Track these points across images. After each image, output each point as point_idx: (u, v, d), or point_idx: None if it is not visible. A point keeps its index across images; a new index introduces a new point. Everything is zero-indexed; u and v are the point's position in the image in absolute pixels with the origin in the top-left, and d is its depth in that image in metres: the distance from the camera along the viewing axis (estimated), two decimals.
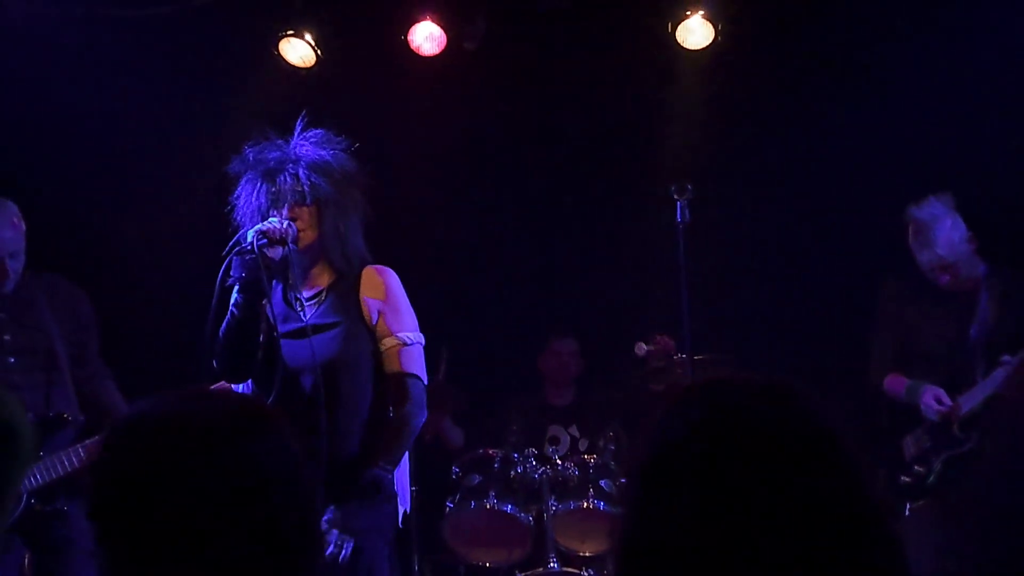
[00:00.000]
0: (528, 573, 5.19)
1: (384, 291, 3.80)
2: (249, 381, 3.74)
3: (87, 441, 4.39)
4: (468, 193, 6.73)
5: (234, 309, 3.64)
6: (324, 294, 3.79)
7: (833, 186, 6.25)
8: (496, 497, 5.31)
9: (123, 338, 5.21)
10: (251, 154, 3.80)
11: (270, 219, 3.64)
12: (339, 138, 3.88)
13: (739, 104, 6.39)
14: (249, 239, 3.54)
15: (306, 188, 3.70)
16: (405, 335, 3.76)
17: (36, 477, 4.32)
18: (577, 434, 6.11)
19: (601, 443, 5.67)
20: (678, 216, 4.74)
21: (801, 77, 6.32)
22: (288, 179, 3.71)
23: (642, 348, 5.50)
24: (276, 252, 3.64)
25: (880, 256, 5.36)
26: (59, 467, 4.34)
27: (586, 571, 5.17)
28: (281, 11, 6.08)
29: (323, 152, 3.81)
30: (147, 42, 6.01)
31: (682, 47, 6.05)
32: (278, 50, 6.10)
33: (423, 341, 3.83)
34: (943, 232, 4.80)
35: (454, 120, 6.50)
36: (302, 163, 3.75)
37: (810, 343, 6.13)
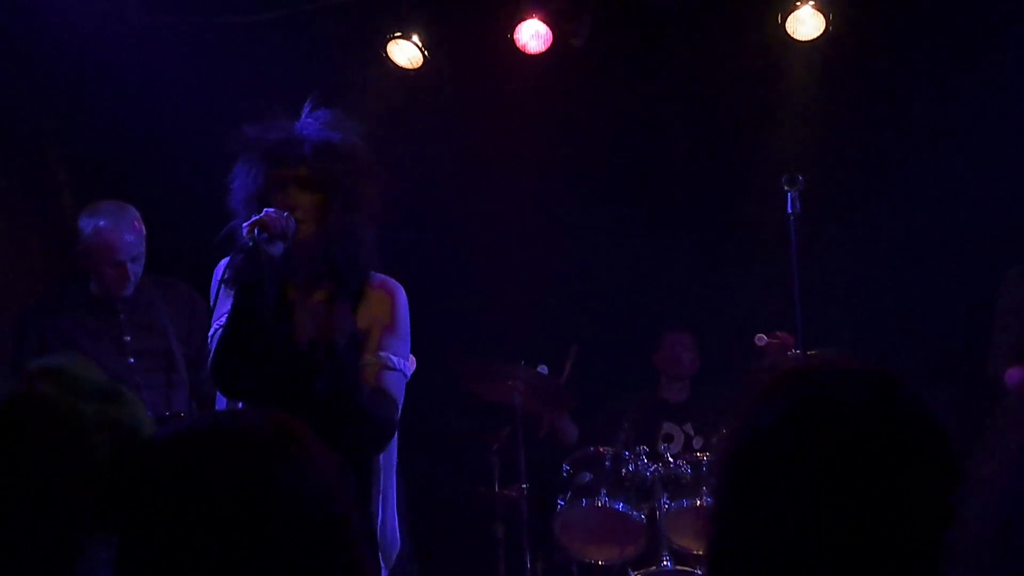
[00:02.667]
0: (641, 571, 5.16)
1: (390, 311, 3.35)
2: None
3: None
4: (578, 190, 6.72)
5: (232, 315, 3.18)
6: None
7: (948, 177, 6.10)
8: (607, 495, 5.28)
9: None
10: (251, 132, 3.33)
11: (266, 210, 3.19)
12: (353, 122, 3.40)
13: (851, 95, 6.28)
14: (245, 233, 3.13)
15: (310, 172, 3.24)
16: (391, 358, 3.32)
17: None
18: (692, 431, 6.05)
19: (716, 440, 5.61)
20: (789, 208, 4.69)
21: (914, 67, 6.18)
22: (290, 161, 3.24)
23: (762, 339, 5.43)
24: (277, 248, 3.17)
25: (997, 247, 5.23)
26: None
27: (700, 569, 5.11)
28: (389, 13, 6.14)
29: (333, 134, 3.31)
30: (258, 47, 6.12)
31: (792, 38, 5.97)
32: (386, 52, 6.17)
33: (408, 374, 3.39)
34: None
35: (561, 117, 6.50)
36: (307, 144, 3.25)
37: (925, 335, 6.00)
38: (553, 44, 6.12)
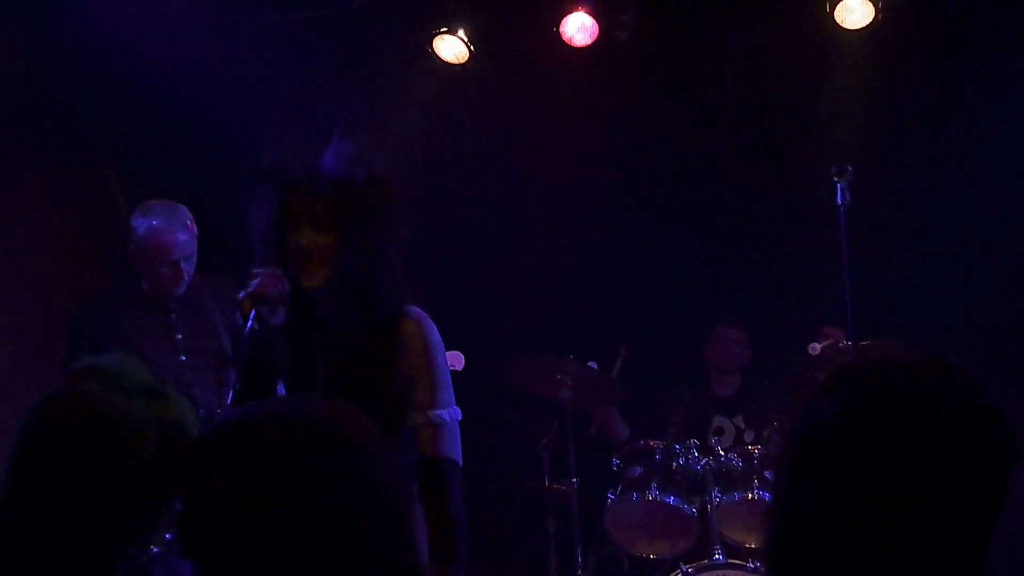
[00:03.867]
0: (693, 565, 5.14)
1: (424, 356, 3.16)
2: None
3: None
4: (626, 183, 6.70)
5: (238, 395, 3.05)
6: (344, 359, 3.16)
7: (1001, 165, 6.03)
8: (658, 489, 5.26)
9: None
10: (269, 161, 3.18)
11: (259, 275, 3.05)
12: (377, 150, 3.25)
13: (900, 84, 6.21)
14: (243, 306, 3.02)
15: (325, 210, 3.05)
16: (440, 414, 3.16)
17: None
18: (742, 425, 6.02)
19: (767, 433, 5.57)
20: (838, 198, 4.65)
21: (965, 55, 6.11)
22: (306, 199, 3.06)
23: (815, 348, 5.37)
24: (277, 317, 3.08)
25: None
26: None
27: (752, 563, 5.09)
28: (434, 9, 6.16)
29: (352, 169, 3.10)
30: (304, 44, 6.15)
31: (841, 27, 5.92)
32: (432, 47, 6.19)
33: (459, 416, 3.22)
34: None
35: (608, 110, 6.48)
36: (324, 181, 3.06)
37: (977, 326, 5.93)
38: (599, 37, 6.12)
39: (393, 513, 1.65)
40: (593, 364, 5.69)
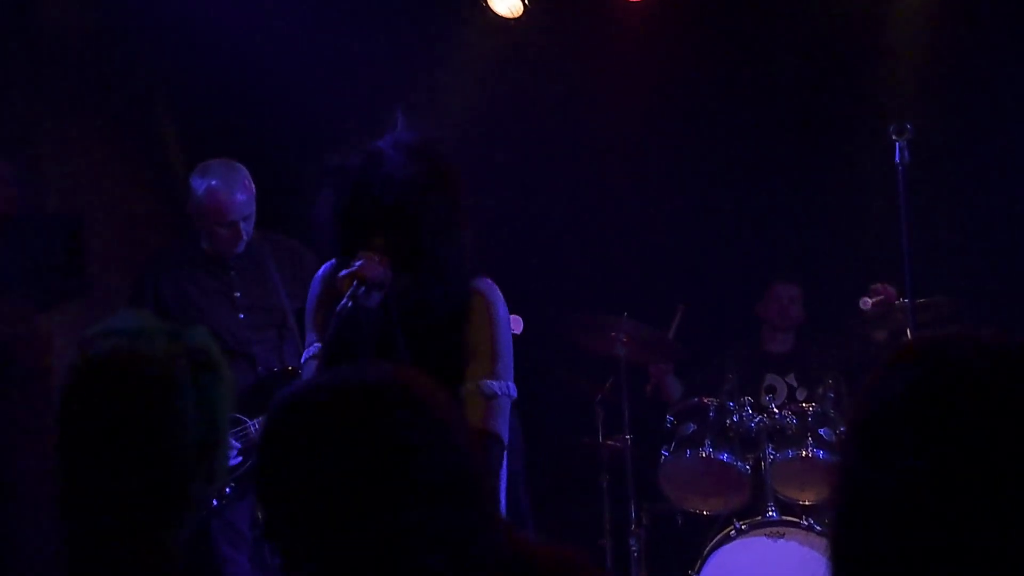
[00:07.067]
0: (746, 521, 5.16)
1: (490, 327, 3.22)
2: None
3: None
4: (682, 139, 6.65)
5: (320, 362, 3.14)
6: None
7: None
8: (712, 446, 5.28)
9: None
10: (334, 162, 3.22)
11: (360, 259, 3.08)
12: (435, 138, 3.25)
13: (962, 39, 6.11)
14: (342, 286, 3.05)
15: (393, 212, 3.08)
16: (491, 385, 3.18)
17: None
18: (795, 383, 6.00)
19: (820, 391, 5.56)
20: (897, 157, 4.60)
21: None
22: (375, 201, 3.08)
23: (867, 303, 5.35)
24: (373, 299, 3.09)
25: None
26: None
27: (806, 520, 5.11)
28: None
29: (421, 168, 3.12)
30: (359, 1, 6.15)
31: None
32: (487, 2, 6.17)
33: (514, 394, 3.24)
34: None
35: (663, 65, 6.44)
36: (395, 184, 3.08)
37: None
38: None
39: (462, 468, 1.68)
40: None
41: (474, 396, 3.15)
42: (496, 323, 3.22)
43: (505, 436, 3.19)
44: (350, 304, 3.01)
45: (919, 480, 1.29)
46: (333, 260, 3.28)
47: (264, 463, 1.71)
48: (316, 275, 3.42)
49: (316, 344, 3.30)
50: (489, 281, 3.29)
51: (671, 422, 5.49)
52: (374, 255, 3.07)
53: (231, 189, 4.59)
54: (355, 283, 3.02)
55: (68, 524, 1.89)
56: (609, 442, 5.70)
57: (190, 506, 1.96)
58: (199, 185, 4.61)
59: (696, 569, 5.08)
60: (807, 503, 5.29)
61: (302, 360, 3.37)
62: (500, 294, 3.28)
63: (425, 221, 3.08)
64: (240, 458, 4.41)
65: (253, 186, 4.67)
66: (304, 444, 1.65)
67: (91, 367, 1.93)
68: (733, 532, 5.08)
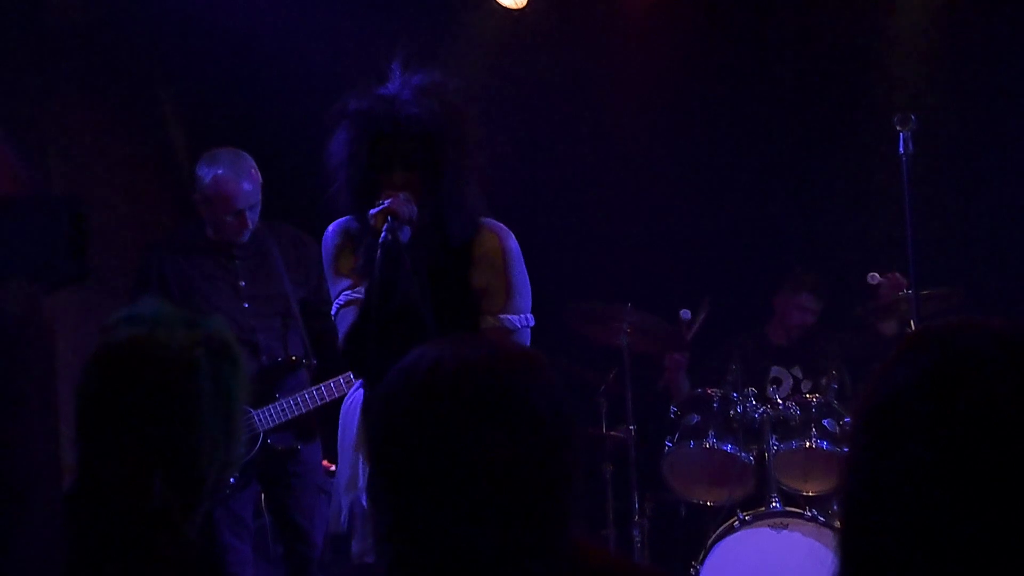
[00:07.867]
0: (750, 512, 5.17)
1: (503, 264, 3.32)
2: None
3: (320, 384, 4.59)
4: (687, 130, 6.65)
5: (368, 308, 3.17)
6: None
7: None
8: (715, 436, 5.29)
9: None
10: (352, 104, 3.28)
11: (387, 199, 3.15)
12: (451, 79, 3.36)
13: (965, 30, 6.11)
14: (375, 223, 3.11)
15: (414, 150, 3.18)
16: (510, 318, 3.30)
17: (272, 417, 4.55)
18: (800, 375, 5.98)
19: (824, 382, 5.57)
20: (901, 148, 4.60)
21: None
22: (394, 140, 3.19)
23: (875, 277, 5.38)
24: (405, 234, 3.15)
25: None
26: (294, 408, 4.56)
27: (809, 510, 5.12)
28: None
29: (432, 104, 3.22)
30: None
31: None
32: None
33: (532, 323, 3.36)
34: None
35: (668, 56, 6.43)
36: (412, 122, 3.18)
37: None
38: None
39: (568, 428, 1.74)
40: (686, 313, 5.74)
41: (496, 331, 3.24)
42: (509, 258, 3.32)
43: None
44: (390, 238, 3.08)
45: (929, 468, 1.29)
46: (342, 219, 3.36)
47: (382, 435, 1.70)
48: (328, 230, 3.46)
49: (347, 292, 3.35)
50: (497, 222, 3.39)
51: (675, 412, 5.49)
52: (398, 192, 3.15)
53: (238, 178, 4.59)
54: (388, 219, 3.09)
55: (84, 511, 1.89)
56: (613, 432, 5.70)
57: (206, 494, 1.96)
58: (206, 173, 4.61)
59: (700, 560, 5.08)
60: (811, 494, 5.30)
61: (334, 308, 3.40)
62: (510, 232, 3.38)
63: (444, 156, 3.19)
64: (244, 447, 4.42)
65: (259, 175, 4.68)
66: (456, 413, 1.65)
67: (111, 354, 1.95)
68: (737, 523, 5.09)
